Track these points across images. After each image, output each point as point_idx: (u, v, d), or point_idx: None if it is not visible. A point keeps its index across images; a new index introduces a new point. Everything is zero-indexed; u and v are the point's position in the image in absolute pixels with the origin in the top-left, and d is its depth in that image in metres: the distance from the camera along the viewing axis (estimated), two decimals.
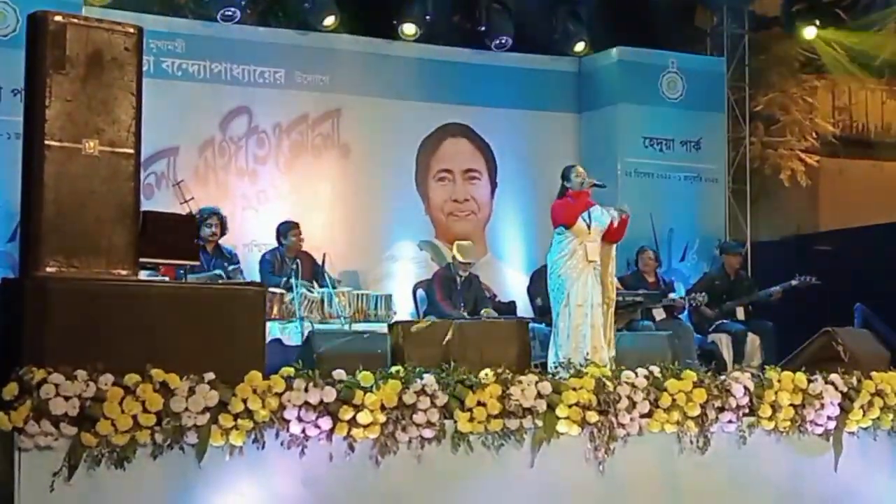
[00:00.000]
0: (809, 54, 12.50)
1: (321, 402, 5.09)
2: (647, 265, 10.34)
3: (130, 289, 5.30)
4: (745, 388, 6.05)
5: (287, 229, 9.29)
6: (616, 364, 6.63)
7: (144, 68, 5.59)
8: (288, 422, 5.05)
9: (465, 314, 9.33)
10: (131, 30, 5.48)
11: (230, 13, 10.18)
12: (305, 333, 7.73)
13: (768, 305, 10.42)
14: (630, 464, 5.77)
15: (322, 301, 8.57)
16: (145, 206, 6.63)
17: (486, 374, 5.49)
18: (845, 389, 6.33)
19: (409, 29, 10.84)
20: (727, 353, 9.99)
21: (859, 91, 13.82)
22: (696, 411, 5.88)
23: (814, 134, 12.76)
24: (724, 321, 10.30)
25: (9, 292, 5.19)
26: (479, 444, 5.45)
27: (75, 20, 5.39)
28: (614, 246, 7.82)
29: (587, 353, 6.99)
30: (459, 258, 9.73)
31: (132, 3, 9.60)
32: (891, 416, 6.50)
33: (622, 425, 5.72)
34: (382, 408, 5.20)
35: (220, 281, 8.32)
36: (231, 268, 8.71)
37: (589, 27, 11.56)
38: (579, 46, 11.60)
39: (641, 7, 11.38)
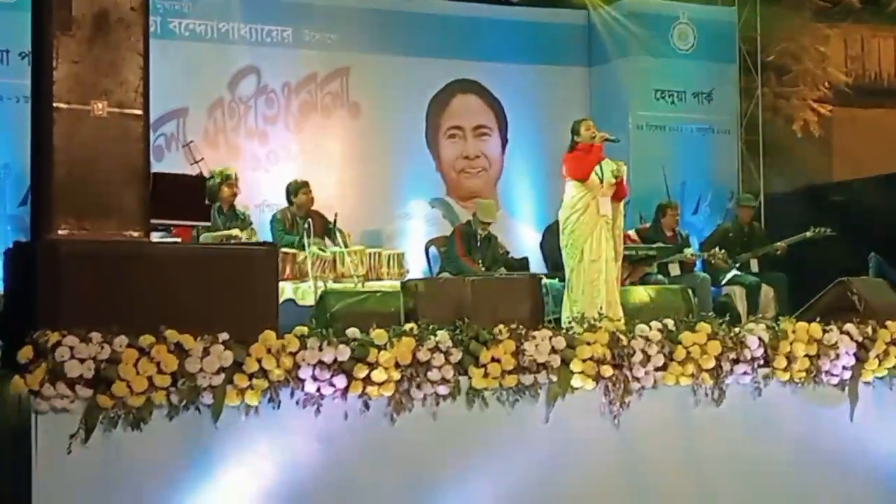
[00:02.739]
0: (821, 2, 12.38)
1: (335, 360, 5.09)
2: (673, 220, 10.31)
3: (143, 250, 5.29)
4: (760, 339, 6.03)
5: (297, 188, 9.27)
6: (627, 317, 6.62)
7: (151, 29, 5.55)
8: (303, 381, 5.05)
9: (483, 270, 9.36)
10: None
11: None
12: (318, 293, 7.74)
13: (782, 256, 10.41)
14: (645, 417, 5.76)
15: (334, 260, 8.57)
16: (155, 167, 6.64)
17: (500, 330, 5.48)
18: (860, 339, 6.30)
19: None
20: (741, 305, 9.99)
21: (872, 39, 13.70)
22: (711, 364, 5.86)
23: (826, 83, 12.67)
24: (738, 273, 10.29)
25: (21, 256, 5.19)
26: (493, 399, 5.45)
27: None
28: (622, 201, 7.81)
29: (601, 308, 6.98)
30: (480, 217, 9.73)
31: None
32: None
33: (637, 379, 5.71)
34: (397, 365, 5.20)
35: (233, 241, 8.33)
36: (245, 232, 8.71)
37: None
38: None
39: None
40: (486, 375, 5.40)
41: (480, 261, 9.58)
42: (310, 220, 8.86)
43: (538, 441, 5.54)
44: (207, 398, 4.86)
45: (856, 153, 12.83)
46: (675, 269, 10.01)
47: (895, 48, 13.89)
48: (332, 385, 5.09)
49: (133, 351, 4.74)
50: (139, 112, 5.37)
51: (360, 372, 5.12)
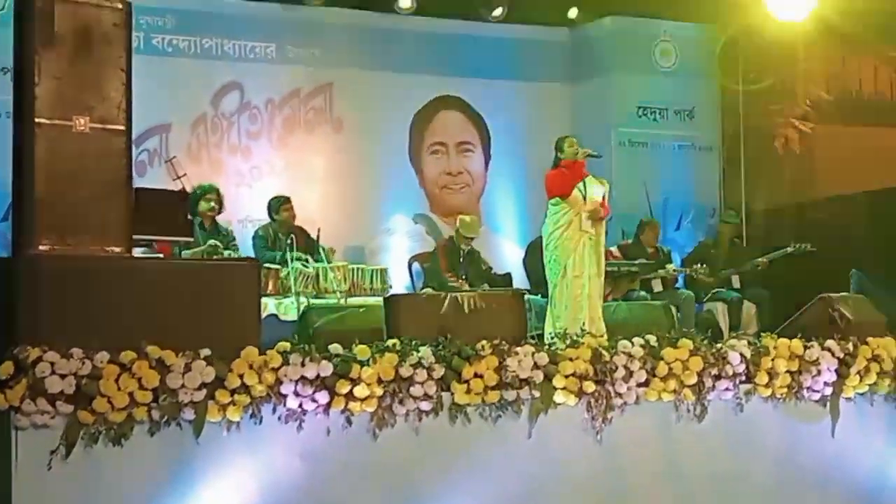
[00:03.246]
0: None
1: (318, 376, 5.09)
2: (653, 236, 10.32)
3: (124, 266, 5.28)
4: (742, 355, 6.05)
5: (278, 204, 9.28)
6: (610, 334, 6.63)
7: (134, 45, 5.55)
8: (285, 396, 5.05)
9: (467, 286, 9.36)
10: (119, 5, 5.42)
11: None
12: (301, 308, 7.73)
13: (764, 273, 10.44)
14: (627, 433, 5.78)
15: (317, 276, 8.56)
16: (138, 183, 6.63)
17: (483, 346, 5.48)
18: (842, 355, 6.34)
19: (404, 2, 10.78)
20: (723, 322, 10.01)
21: (852, 57, 13.76)
22: (693, 379, 5.88)
23: (807, 101, 12.71)
24: (720, 289, 10.31)
25: (2, 271, 5.17)
26: (476, 415, 5.45)
27: None
28: (604, 219, 7.83)
29: (584, 324, 6.99)
30: (463, 232, 9.73)
31: None
32: (887, 381, 6.51)
33: (619, 395, 5.72)
34: (379, 381, 5.20)
35: (215, 256, 8.31)
36: (228, 246, 8.70)
37: None
38: (572, 13, 11.54)
39: None
40: (468, 391, 5.41)
41: (463, 276, 9.58)
42: (293, 235, 8.86)
43: (521, 456, 5.55)
44: (189, 414, 4.85)
45: (837, 170, 12.86)
46: (657, 286, 10.03)
47: (875, 66, 13.95)
48: (314, 401, 5.09)
49: (114, 367, 4.73)
50: (121, 128, 5.36)
51: (343, 388, 5.12)
